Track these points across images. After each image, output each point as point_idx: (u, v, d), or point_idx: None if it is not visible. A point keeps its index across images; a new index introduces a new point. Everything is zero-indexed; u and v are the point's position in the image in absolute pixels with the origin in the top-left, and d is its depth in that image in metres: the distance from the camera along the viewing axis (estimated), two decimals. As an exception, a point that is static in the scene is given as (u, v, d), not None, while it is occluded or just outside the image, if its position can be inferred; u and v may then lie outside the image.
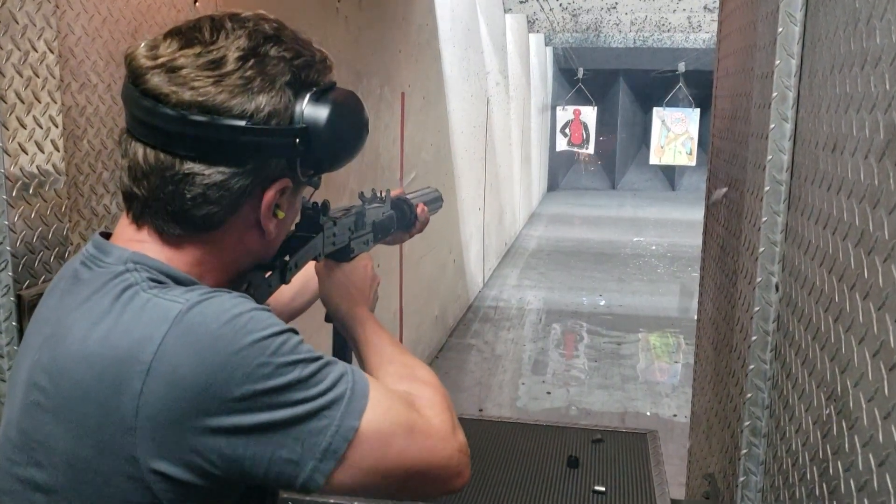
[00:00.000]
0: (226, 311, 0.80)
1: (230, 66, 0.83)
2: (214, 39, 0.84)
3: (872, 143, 0.83)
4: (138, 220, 0.88)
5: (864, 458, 0.81)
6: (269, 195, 0.88)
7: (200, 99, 0.82)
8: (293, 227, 1.07)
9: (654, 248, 12.15)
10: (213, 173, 0.84)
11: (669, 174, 19.24)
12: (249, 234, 0.90)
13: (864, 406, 0.82)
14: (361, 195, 1.29)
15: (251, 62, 0.84)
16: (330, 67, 0.93)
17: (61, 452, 0.82)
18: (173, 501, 0.80)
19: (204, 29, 0.85)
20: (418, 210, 1.46)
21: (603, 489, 1.63)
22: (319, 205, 1.11)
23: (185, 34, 0.85)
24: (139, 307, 0.81)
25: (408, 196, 1.46)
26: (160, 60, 0.83)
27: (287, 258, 1.02)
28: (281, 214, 0.90)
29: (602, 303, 8.72)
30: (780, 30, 1.17)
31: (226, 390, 0.77)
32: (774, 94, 1.18)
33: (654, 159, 13.31)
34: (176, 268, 0.87)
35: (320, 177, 0.95)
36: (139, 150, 0.85)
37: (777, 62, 1.17)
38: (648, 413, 5.63)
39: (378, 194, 1.34)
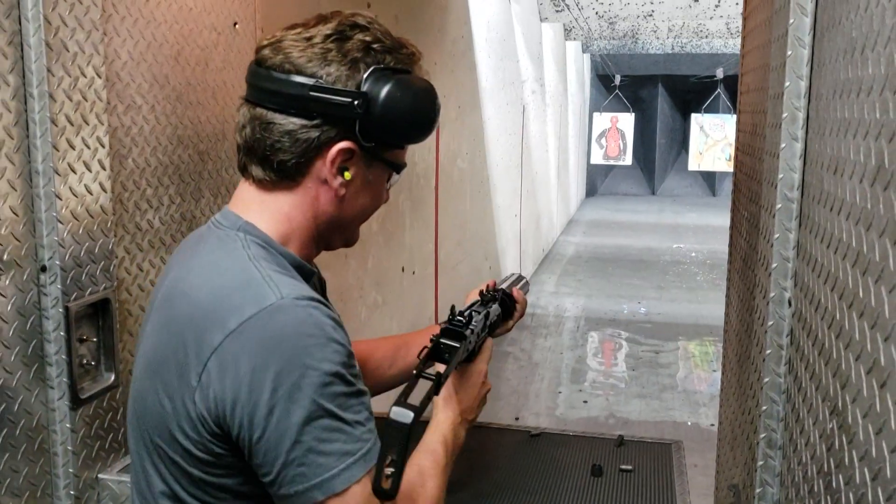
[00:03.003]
0: (307, 325, 0.92)
1: (317, 41, 1.01)
2: (315, 24, 1.03)
3: (866, 168, 0.86)
4: (244, 171, 1.07)
5: (861, 472, 0.84)
6: (333, 150, 1.02)
7: (284, 61, 1.01)
8: (440, 335, 1.16)
9: (693, 254, 12.05)
10: (286, 123, 1.01)
11: (710, 180, 19.03)
12: (323, 191, 1.05)
13: (860, 421, 0.85)
14: (482, 293, 1.39)
15: (334, 39, 1.01)
16: (414, 60, 1.07)
17: (164, 371, 0.98)
18: (211, 444, 0.95)
19: (311, 19, 1.05)
20: (516, 296, 1.52)
21: (630, 467, 1.70)
22: (465, 319, 1.20)
23: (298, 23, 1.05)
24: (245, 279, 0.96)
25: (503, 287, 1.50)
26: (273, 38, 1.04)
27: (440, 372, 1.09)
28: (348, 175, 1.04)
29: (643, 311, 8.68)
30: (789, 52, 1.20)
31: (270, 391, 0.89)
32: (784, 115, 1.21)
33: (693, 165, 13.21)
34: (274, 239, 1.04)
35: (396, 160, 1.08)
36: (243, 107, 1.05)
37: (787, 84, 1.21)
38: (689, 423, 5.60)
39: (490, 292, 1.41)
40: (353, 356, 0.95)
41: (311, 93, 0.99)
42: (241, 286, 0.95)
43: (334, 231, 1.10)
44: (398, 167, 1.10)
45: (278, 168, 1.03)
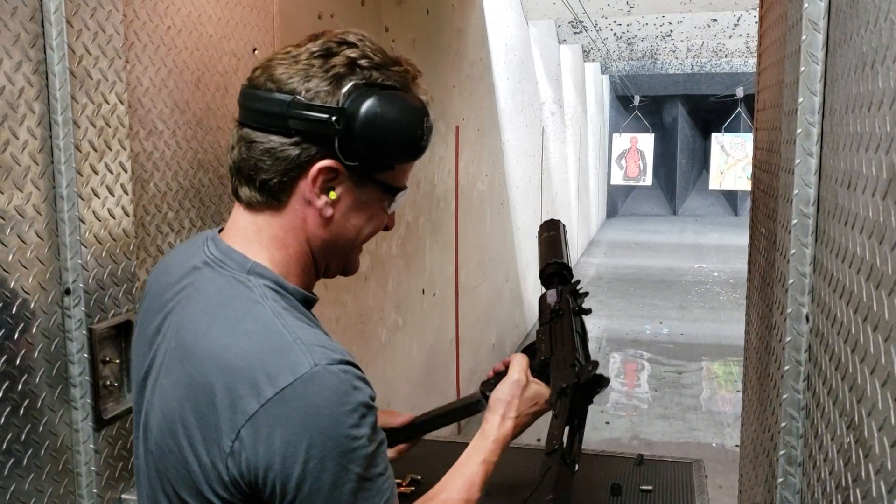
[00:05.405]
0: (339, 394, 0.91)
1: (302, 57, 0.99)
2: (305, 43, 1.01)
3: (878, 181, 0.86)
4: (237, 193, 1.04)
5: (877, 486, 0.84)
6: (314, 169, 0.99)
7: (268, 79, 0.99)
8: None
9: (716, 274, 11.97)
10: (266, 141, 0.99)
11: (732, 199, 18.94)
12: (309, 212, 1.01)
13: (876, 434, 0.85)
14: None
15: (318, 55, 0.99)
16: (409, 78, 1.03)
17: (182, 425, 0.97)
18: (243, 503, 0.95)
19: (303, 40, 1.02)
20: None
21: (650, 488, 1.69)
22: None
23: (292, 44, 1.03)
24: (276, 342, 0.93)
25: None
26: (265, 60, 1.03)
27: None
28: (333, 195, 1.00)
29: (665, 331, 8.61)
30: (802, 68, 1.21)
31: (303, 462, 0.89)
32: (799, 131, 1.22)
33: (714, 184, 13.15)
34: (278, 272, 1.01)
35: (391, 182, 1.04)
36: (235, 129, 1.04)
37: (800, 100, 1.21)
38: (714, 444, 5.54)
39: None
40: (376, 407, 0.95)
41: (290, 109, 0.97)
42: (274, 351, 0.92)
43: (330, 256, 1.07)
44: (393, 189, 1.05)
45: (261, 187, 1.00)
